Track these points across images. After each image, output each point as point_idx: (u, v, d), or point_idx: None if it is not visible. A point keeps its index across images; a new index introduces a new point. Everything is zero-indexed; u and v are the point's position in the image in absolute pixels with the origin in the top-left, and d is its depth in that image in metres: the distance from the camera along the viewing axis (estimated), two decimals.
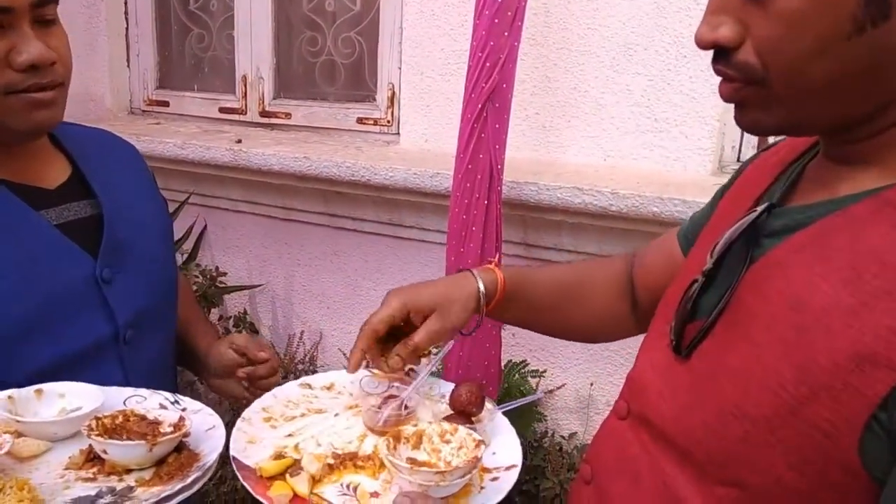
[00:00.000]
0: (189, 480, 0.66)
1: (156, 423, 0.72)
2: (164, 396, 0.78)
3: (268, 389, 0.87)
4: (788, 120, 0.53)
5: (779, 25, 0.49)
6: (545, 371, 1.71)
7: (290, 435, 0.74)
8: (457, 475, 0.63)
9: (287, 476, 0.67)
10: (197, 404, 0.78)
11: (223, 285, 2.11)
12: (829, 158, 0.57)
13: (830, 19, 0.47)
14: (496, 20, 1.25)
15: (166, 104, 2.37)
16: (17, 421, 0.69)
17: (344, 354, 1.98)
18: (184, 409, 0.76)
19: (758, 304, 0.54)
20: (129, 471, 0.67)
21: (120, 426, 0.71)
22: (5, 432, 0.67)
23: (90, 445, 0.69)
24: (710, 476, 0.55)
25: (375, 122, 2.04)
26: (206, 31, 2.31)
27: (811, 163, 0.61)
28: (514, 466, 0.70)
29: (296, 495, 0.66)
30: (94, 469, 0.68)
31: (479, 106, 1.30)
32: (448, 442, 0.69)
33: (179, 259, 2.16)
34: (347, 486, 0.68)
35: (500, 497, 0.65)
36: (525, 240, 1.67)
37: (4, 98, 0.76)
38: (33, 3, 0.76)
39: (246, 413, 0.77)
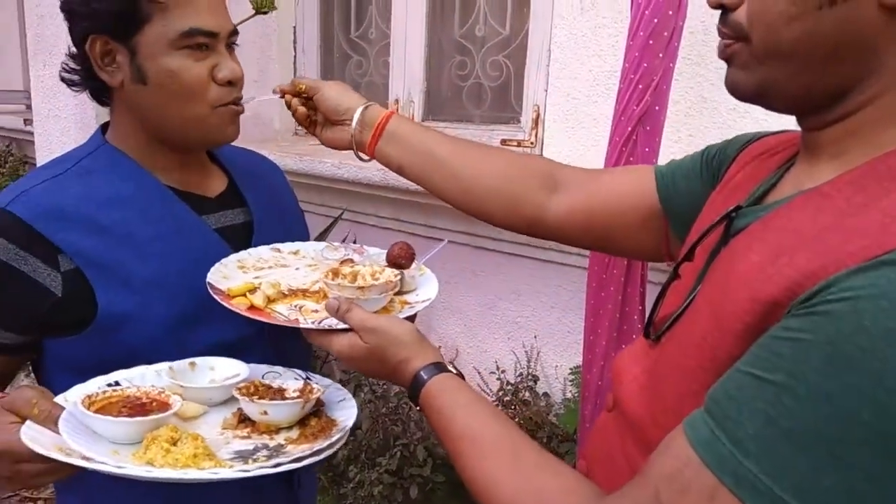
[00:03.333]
0: (334, 439, 0.74)
1: (281, 391, 0.81)
2: (296, 373, 0.87)
3: None
4: (761, 81, 0.58)
5: None
6: None
7: (256, 277, 0.91)
8: (374, 292, 0.81)
9: (248, 294, 0.85)
10: (326, 380, 0.85)
11: None
12: (802, 153, 0.62)
13: None
14: (651, 41, 1.20)
15: None
16: (182, 386, 0.79)
17: (479, 372, 2.00)
18: (316, 385, 0.83)
19: (708, 286, 0.61)
20: (278, 431, 0.76)
21: (253, 394, 0.79)
22: (174, 394, 0.77)
23: (239, 409, 0.78)
24: (652, 441, 0.58)
25: (519, 144, 2.05)
26: (365, 58, 2.46)
27: (793, 166, 0.65)
28: (427, 299, 0.87)
29: (253, 306, 0.83)
30: (248, 429, 0.77)
31: (629, 129, 1.25)
32: (377, 279, 0.85)
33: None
34: (295, 306, 0.85)
35: (409, 314, 0.83)
36: None
37: (209, 110, 0.87)
38: (230, 32, 0.89)
39: (223, 260, 0.91)
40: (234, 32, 0.90)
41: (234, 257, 0.93)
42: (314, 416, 0.78)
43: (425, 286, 0.90)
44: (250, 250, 0.96)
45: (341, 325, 0.77)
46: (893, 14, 0.51)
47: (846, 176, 0.54)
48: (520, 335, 1.94)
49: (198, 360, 0.84)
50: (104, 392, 0.76)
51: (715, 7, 0.60)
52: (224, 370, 0.84)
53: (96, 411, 0.71)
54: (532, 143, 2.01)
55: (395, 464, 1.91)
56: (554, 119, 1.86)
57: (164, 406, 0.74)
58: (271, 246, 0.97)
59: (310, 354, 1.13)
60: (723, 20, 0.60)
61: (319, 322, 0.80)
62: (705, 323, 0.58)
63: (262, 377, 0.84)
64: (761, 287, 0.52)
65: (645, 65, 1.22)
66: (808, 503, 0.45)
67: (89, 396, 0.73)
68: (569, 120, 1.82)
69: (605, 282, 1.35)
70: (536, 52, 1.96)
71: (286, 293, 0.87)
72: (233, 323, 0.91)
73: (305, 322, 0.80)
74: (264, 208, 1.00)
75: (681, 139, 1.62)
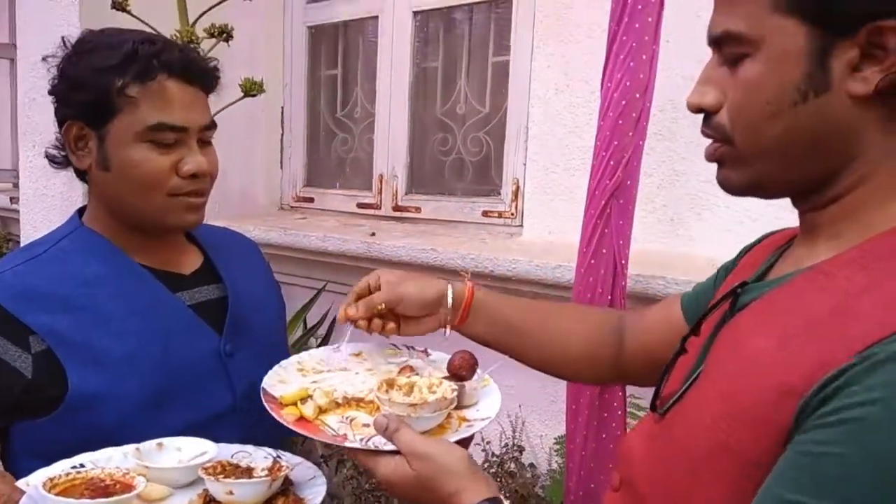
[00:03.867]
0: None
1: (249, 470, 0.79)
2: (266, 452, 0.85)
3: None
4: (752, 178, 0.61)
5: (740, 91, 0.58)
6: None
7: (314, 381, 0.89)
8: (427, 410, 0.76)
9: (298, 403, 0.83)
10: (297, 458, 0.84)
11: None
12: (801, 234, 0.65)
13: (779, 87, 0.56)
14: (620, 121, 1.27)
15: (311, 200, 2.61)
16: (146, 467, 0.78)
17: None
18: (285, 463, 0.82)
19: (712, 363, 0.62)
20: None
21: (219, 474, 0.77)
22: (139, 475, 0.75)
23: (205, 490, 0.76)
24: None
25: (500, 215, 2.11)
26: (350, 135, 2.55)
27: (791, 246, 0.68)
28: (487, 418, 0.82)
29: (302, 417, 0.82)
30: None
31: (603, 202, 1.31)
32: (434, 392, 0.80)
33: (314, 343, 2.30)
34: (346, 418, 0.83)
35: (465, 435, 0.78)
36: None
37: (167, 199, 0.90)
38: (202, 127, 0.92)
39: (283, 362, 0.91)
40: (209, 127, 0.93)
41: (294, 359, 0.92)
42: (282, 496, 0.77)
43: (487, 399, 0.86)
44: (311, 352, 0.96)
45: (389, 446, 0.72)
46: (864, 102, 0.54)
47: (844, 255, 0.56)
48: (504, 404, 1.92)
49: (165, 440, 0.83)
50: (68, 475, 0.74)
51: (695, 112, 0.62)
52: (191, 450, 0.82)
53: (58, 494, 0.70)
54: (512, 214, 2.07)
55: None
56: (533, 191, 1.92)
57: (128, 487, 0.73)
58: (332, 347, 0.98)
59: (285, 430, 1.12)
60: (706, 123, 0.62)
61: (367, 440, 0.76)
62: (715, 406, 0.57)
63: (232, 457, 0.83)
64: (775, 374, 0.52)
65: (616, 143, 1.28)
66: None
67: (51, 479, 0.72)
68: (547, 193, 1.89)
69: None
70: (515, 129, 2.05)
71: (340, 402, 0.84)
72: (205, 400, 0.91)
73: (353, 440, 0.77)
74: (238, 284, 1.02)
75: (655, 210, 1.68)
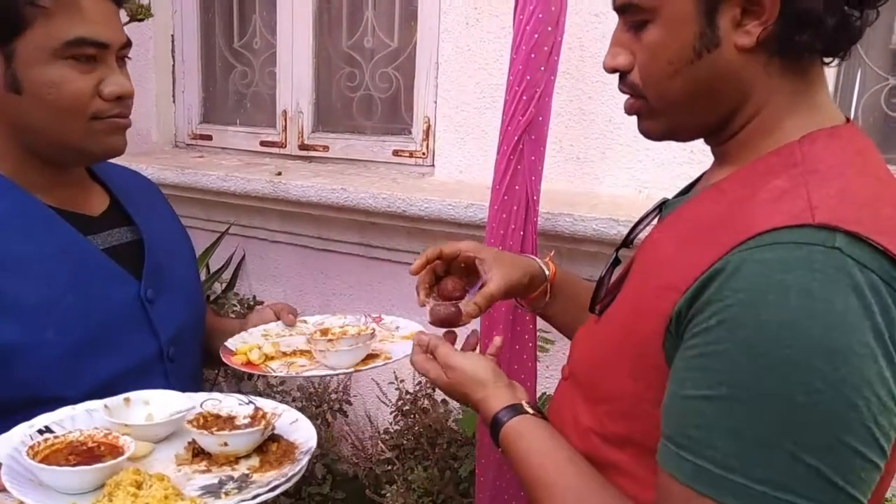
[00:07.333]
0: (303, 462, 0.72)
1: (231, 418, 0.78)
2: (237, 399, 0.83)
3: None
4: (666, 125, 0.70)
5: (646, 53, 0.66)
6: None
7: (274, 343, 1.02)
8: (345, 344, 0.91)
9: (248, 353, 0.95)
10: (271, 402, 0.83)
11: None
12: (713, 165, 0.74)
13: (678, 47, 0.64)
14: (533, 55, 1.27)
15: (210, 138, 2.45)
16: (126, 425, 0.74)
17: (377, 384, 1.99)
18: (270, 409, 0.81)
19: (634, 268, 0.72)
20: (237, 461, 0.73)
21: (203, 426, 0.76)
22: (123, 435, 0.72)
23: (191, 443, 0.74)
24: (592, 398, 0.72)
25: (411, 155, 2.07)
26: (249, 68, 2.39)
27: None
28: (406, 356, 0.94)
29: (249, 362, 0.94)
30: (204, 462, 0.73)
31: (516, 138, 1.31)
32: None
33: (219, 288, 2.21)
34: (287, 363, 0.95)
35: (383, 364, 0.95)
36: None
37: (89, 122, 0.82)
38: (123, 43, 0.85)
39: (251, 329, 1.03)
40: (128, 44, 0.86)
41: (262, 326, 1.04)
42: (272, 441, 0.76)
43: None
44: (277, 322, 1.05)
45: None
46: (749, 52, 0.62)
47: (737, 174, 0.66)
48: None
49: (132, 395, 0.80)
50: (46, 440, 0.70)
51: (611, 72, 0.70)
52: (162, 403, 0.80)
53: (41, 462, 0.66)
54: (424, 153, 2.05)
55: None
56: (444, 129, 1.90)
57: (114, 448, 0.70)
58: (300, 318, 1.07)
59: (202, 374, 1.09)
60: (622, 81, 0.69)
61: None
62: (630, 303, 0.68)
63: (201, 405, 0.80)
64: (667, 274, 0.62)
65: (528, 77, 1.28)
66: (798, 492, 0.51)
67: (32, 448, 0.68)
68: (459, 131, 1.87)
69: None
70: (425, 64, 2.00)
71: (286, 353, 0.97)
72: (129, 349, 0.87)
73: (279, 371, 0.94)
74: (150, 225, 0.96)
75: (563, 149, 1.71)
